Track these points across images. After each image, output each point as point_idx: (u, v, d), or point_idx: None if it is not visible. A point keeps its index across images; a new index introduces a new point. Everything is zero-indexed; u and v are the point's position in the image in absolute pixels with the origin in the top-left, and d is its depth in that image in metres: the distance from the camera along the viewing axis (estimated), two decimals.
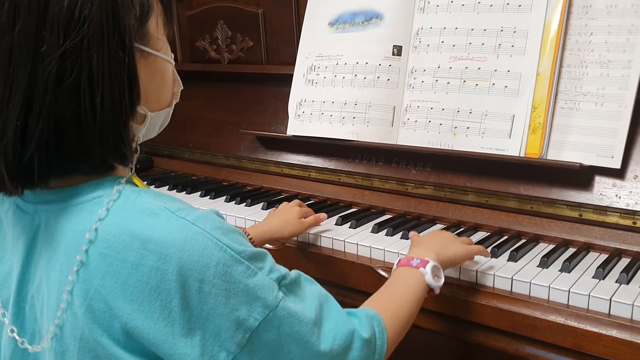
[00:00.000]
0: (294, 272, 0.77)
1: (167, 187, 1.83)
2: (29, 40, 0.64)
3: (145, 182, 1.88)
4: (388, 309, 0.89)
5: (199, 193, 1.73)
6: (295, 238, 1.38)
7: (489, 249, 1.20)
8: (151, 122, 0.78)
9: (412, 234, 1.20)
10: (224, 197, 1.67)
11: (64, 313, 0.69)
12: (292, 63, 1.68)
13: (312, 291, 0.78)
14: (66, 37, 0.64)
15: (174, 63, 0.82)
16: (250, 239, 1.23)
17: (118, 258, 0.66)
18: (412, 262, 1.00)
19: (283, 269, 0.75)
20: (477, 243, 1.22)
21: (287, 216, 1.33)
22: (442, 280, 1.01)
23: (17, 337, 0.74)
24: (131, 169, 0.75)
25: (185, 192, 1.77)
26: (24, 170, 0.68)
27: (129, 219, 0.67)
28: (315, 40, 1.63)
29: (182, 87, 0.86)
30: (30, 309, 0.74)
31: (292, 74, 1.67)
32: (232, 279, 0.67)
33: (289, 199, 1.64)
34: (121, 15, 0.67)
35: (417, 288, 0.96)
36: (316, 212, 1.46)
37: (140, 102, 0.72)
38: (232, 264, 0.68)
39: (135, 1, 0.70)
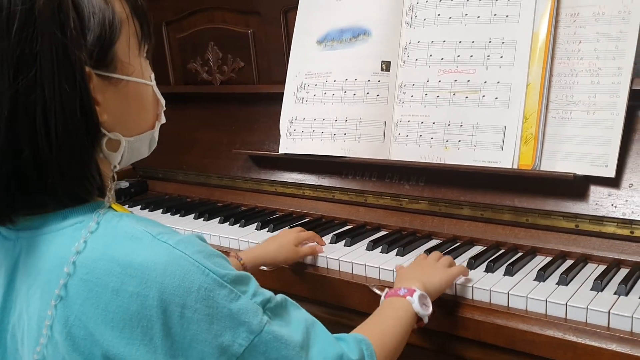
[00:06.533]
0: (280, 296, 0.76)
1: (161, 210, 1.81)
2: None
3: (139, 206, 1.88)
4: (376, 335, 0.89)
5: (193, 215, 1.72)
6: None
7: (484, 264, 1.18)
8: (132, 147, 0.77)
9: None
10: (218, 218, 1.65)
11: (44, 348, 0.67)
12: (284, 82, 1.67)
13: (298, 315, 0.77)
14: (17, 74, 0.63)
15: (153, 84, 0.80)
16: (242, 263, 1.21)
17: (98, 284, 0.64)
18: (399, 292, 1.01)
19: (268, 293, 0.74)
20: (473, 257, 1.20)
21: (283, 241, 1.31)
22: (430, 309, 1.01)
23: None
24: (109, 198, 0.74)
25: (179, 214, 1.75)
26: None
27: (110, 244, 0.66)
28: (304, 59, 1.63)
29: (164, 107, 0.84)
30: (11, 339, 0.73)
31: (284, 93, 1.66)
32: (215, 304, 0.66)
33: (283, 218, 1.62)
34: (70, 48, 0.66)
35: (405, 316, 0.97)
36: (311, 230, 1.44)
37: (110, 129, 0.71)
38: (215, 288, 0.67)
39: (88, 31, 0.68)
